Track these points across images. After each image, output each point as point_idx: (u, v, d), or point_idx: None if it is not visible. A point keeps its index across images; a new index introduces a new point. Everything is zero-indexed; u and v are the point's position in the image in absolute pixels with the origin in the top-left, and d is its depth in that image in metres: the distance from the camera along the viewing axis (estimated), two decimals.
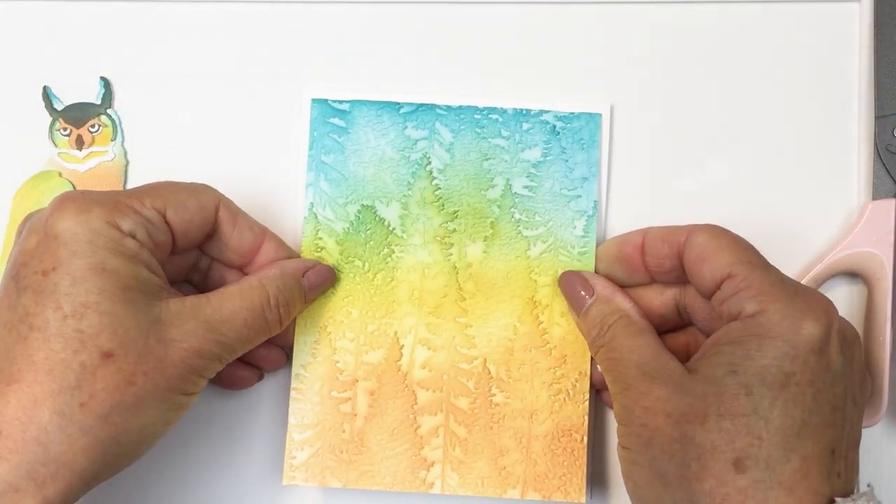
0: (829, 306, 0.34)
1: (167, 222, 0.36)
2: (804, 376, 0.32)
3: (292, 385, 0.41)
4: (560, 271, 0.41)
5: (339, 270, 0.42)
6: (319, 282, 0.40)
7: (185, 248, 0.38)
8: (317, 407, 0.41)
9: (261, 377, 0.42)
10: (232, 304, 0.36)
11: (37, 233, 0.34)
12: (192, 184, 0.38)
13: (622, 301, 0.38)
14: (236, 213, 0.38)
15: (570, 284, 0.40)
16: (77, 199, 0.34)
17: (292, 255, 0.40)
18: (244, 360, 0.40)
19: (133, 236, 0.34)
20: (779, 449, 0.32)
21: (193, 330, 0.34)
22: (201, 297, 0.35)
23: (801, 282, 0.40)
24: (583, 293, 0.39)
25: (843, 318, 0.35)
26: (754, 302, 0.34)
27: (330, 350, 0.41)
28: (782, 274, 0.35)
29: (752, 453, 0.32)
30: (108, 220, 0.33)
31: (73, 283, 0.32)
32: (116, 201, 0.34)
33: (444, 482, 0.41)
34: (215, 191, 0.38)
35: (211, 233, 0.38)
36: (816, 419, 0.32)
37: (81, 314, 0.32)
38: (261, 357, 0.41)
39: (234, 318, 0.35)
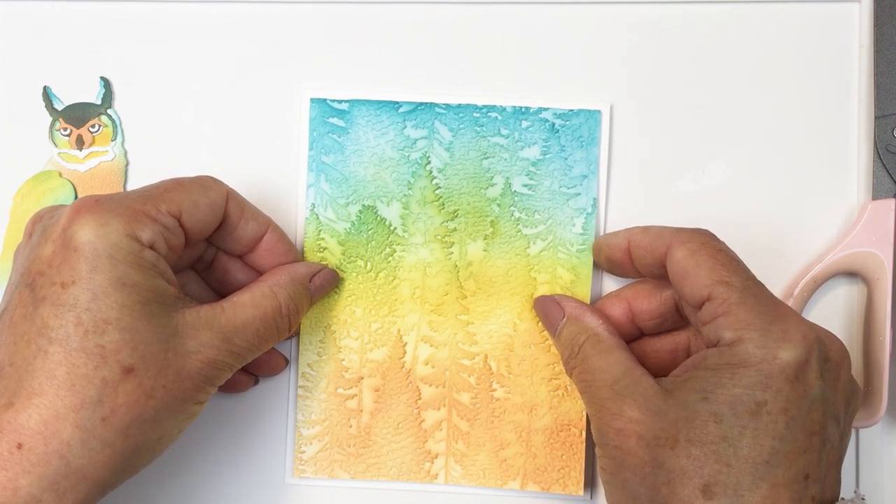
0: (807, 332, 0.33)
1: (182, 225, 0.36)
2: (776, 405, 0.32)
3: (299, 383, 0.42)
4: (560, 268, 0.42)
5: (341, 270, 0.42)
6: (325, 285, 0.41)
7: (194, 243, 0.38)
8: (323, 404, 0.42)
9: (256, 382, 0.43)
10: (245, 314, 0.36)
11: (53, 241, 0.33)
12: (199, 178, 0.37)
13: (591, 319, 0.38)
14: (243, 204, 0.38)
15: (543, 308, 0.41)
16: (94, 210, 0.33)
17: (293, 246, 0.41)
18: (243, 367, 0.41)
19: (152, 247, 0.34)
20: (747, 476, 0.32)
21: (209, 341, 0.34)
22: (215, 307, 0.36)
23: (802, 282, 0.41)
24: (554, 315, 0.40)
25: (829, 338, 0.35)
26: (731, 331, 0.33)
27: (335, 348, 0.42)
28: (763, 294, 0.35)
29: (721, 480, 0.32)
30: (128, 232, 0.33)
31: (94, 298, 0.32)
32: (134, 210, 0.34)
33: (447, 473, 0.42)
34: (222, 183, 0.38)
35: (219, 225, 0.38)
36: (789, 447, 0.32)
37: (103, 330, 0.32)
38: (262, 363, 0.42)
39: (247, 329, 0.36)
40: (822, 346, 0.34)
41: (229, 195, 0.38)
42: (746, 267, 0.35)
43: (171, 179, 0.37)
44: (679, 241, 0.36)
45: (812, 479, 0.33)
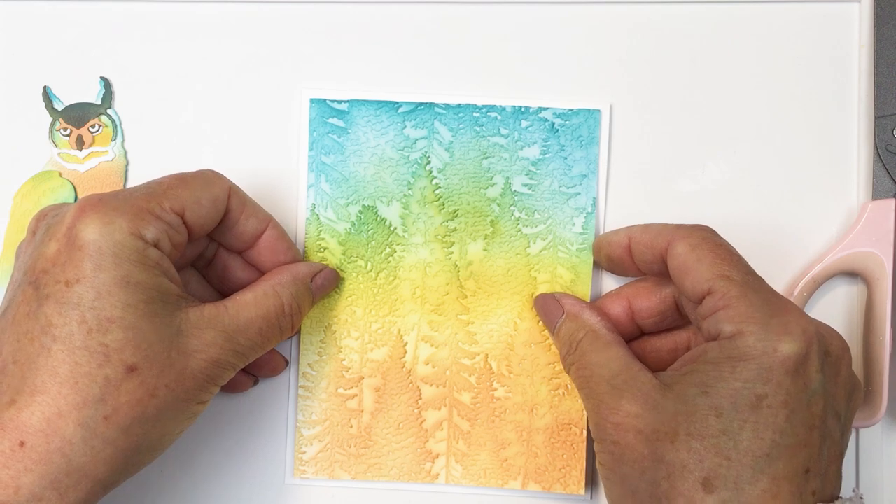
0: (807, 325, 0.33)
1: (185, 222, 0.36)
2: (777, 398, 0.32)
3: (299, 383, 0.42)
4: (560, 267, 0.42)
5: (342, 270, 0.42)
6: (326, 285, 0.41)
7: (196, 239, 0.38)
8: (324, 404, 0.42)
9: (256, 382, 0.43)
10: (248, 313, 0.36)
11: (57, 240, 0.33)
12: (202, 173, 0.37)
13: (589, 316, 0.39)
14: (244, 199, 0.38)
15: (542, 306, 0.41)
16: (99, 208, 0.33)
17: (293, 244, 0.41)
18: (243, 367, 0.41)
19: (156, 245, 0.34)
20: (748, 470, 0.32)
21: (212, 340, 0.34)
22: (219, 306, 0.36)
23: (802, 282, 0.41)
24: (553, 313, 0.40)
25: (829, 333, 0.35)
26: (731, 324, 0.33)
27: (336, 349, 0.42)
28: (763, 289, 0.35)
29: (721, 473, 0.32)
30: (133, 230, 0.33)
31: (98, 296, 0.32)
32: (138, 209, 0.34)
33: (448, 473, 0.42)
34: (224, 177, 0.38)
35: (220, 220, 0.38)
36: (789, 440, 0.32)
37: (106, 329, 0.32)
38: (262, 364, 0.42)
39: (250, 328, 0.36)
40: (823, 340, 0.34)
41: (231, 190, 0.38)
42: (746, 262, 0.36)
43: (174, 175, 0.37)
44: (680, 236, 0.36)
45: (813, 474, 0.33)
